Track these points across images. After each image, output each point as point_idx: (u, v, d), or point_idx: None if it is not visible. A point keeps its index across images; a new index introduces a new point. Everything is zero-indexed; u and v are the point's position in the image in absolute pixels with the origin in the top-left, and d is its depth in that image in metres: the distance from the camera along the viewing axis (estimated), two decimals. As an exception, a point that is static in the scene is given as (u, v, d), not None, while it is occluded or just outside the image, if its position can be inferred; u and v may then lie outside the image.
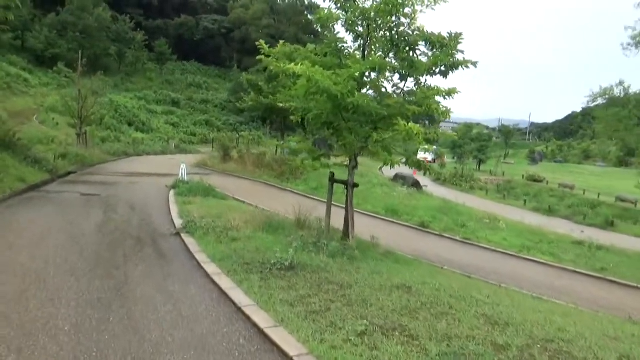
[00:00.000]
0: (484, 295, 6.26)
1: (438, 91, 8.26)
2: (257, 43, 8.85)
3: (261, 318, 5.08)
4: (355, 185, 9.42)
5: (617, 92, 18.97)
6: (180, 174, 17.65)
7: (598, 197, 42.30)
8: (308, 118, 8.25)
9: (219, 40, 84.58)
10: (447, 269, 10.40)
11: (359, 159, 9.59)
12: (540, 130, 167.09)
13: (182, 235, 9.29)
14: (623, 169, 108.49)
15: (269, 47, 8.87)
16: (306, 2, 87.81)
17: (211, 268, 7.02)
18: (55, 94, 39.90)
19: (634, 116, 17.99)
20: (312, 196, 18.19)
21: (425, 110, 8.53)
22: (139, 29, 68.31)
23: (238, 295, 5.80)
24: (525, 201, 33.31)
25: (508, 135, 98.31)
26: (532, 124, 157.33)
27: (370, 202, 17.81)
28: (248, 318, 5.18)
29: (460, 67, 8.79)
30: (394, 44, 8.08)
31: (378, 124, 8.40)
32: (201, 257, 7.65)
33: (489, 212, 19.76)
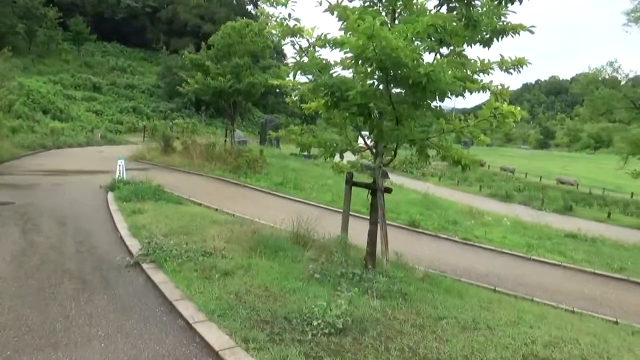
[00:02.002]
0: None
1: (502, 62, 6.12)
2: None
3: None
4: (387, 190, 7.12)
5: (609, 72, 18.20)
6: (117, 171, 14.47)
7: (540, 180, 43.15)
8: (335, 100, 5.73)
9: (143, 20, 77.95)
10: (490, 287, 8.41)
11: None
12: (464, 115, 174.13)
13: (145, 266, 6.57)
14: (545, 151, 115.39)
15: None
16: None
17: (213, 334, 4.46)
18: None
19: (626, 98, 17.21)
20: (279, 193, 15.65)
21: (478, 88, 6.38)
22: (51, 5, 60.78)
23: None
24: (480, 187, 32.75)
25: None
26: (453, 109, 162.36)
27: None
28: None
29: (509, 33, 6.72)
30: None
31: (417, 110, 6.12)
32: (188, 310, 5.04)
33: (468, 204, 18.34)
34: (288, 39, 6.12)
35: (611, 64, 18.62)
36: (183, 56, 21.80)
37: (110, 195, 12.43)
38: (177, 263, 6.49)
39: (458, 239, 13.05)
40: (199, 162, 19.01)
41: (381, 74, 5.05)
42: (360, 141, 7.64)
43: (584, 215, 25.57)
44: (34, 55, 58.35)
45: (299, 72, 6.12)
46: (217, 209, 12.16)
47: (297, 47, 6.23)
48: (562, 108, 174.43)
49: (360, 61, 4.75)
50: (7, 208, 10.57)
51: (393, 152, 6.87)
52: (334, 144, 6.80)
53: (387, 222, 13.86)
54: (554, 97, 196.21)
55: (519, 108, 5.14)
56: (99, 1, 73.70)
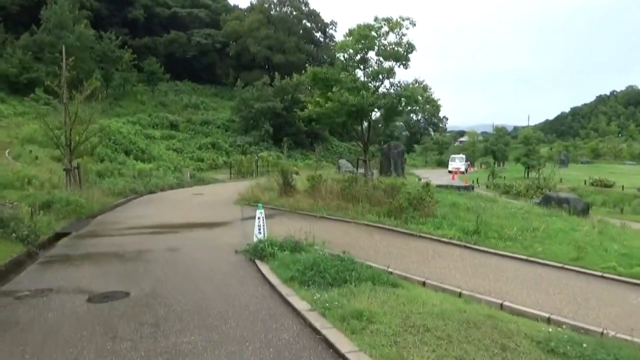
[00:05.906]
0: None
1: None
2: None
3: None
4: None
5: None
6: (256, 228, 9.91)
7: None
8: None
9: (212, 56, 77.12)
10: None
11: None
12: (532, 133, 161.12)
13: None
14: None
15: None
16: (305, 10, 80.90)
17: None
18: (34, 123, 31.92)
19: None
20: (481, 247, 10.50)
21: None
22: (126, 48, 60.44)
23: None
24: (657, 215, 26.00)
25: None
26: (515, 128, 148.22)
27: (586, 252, 10.18)
28: None
29: None
30: None
31: None
32: None
33: None
34: None
35: None
36: (303, 71, 17.46)
37: (266, 271, 7.86)
38: None
39: None
40: (337, 204, 14.31)
41: None
42: None
43: None
44: (110, 98, 57.72)
45: None
46: (459, 294, 7.18)
47: None
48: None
49: None
50: (123, 310, 6.14)
51: None
52: None
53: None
54: (633, 108, 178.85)
55: None
56: (170, 41, 73.64)
